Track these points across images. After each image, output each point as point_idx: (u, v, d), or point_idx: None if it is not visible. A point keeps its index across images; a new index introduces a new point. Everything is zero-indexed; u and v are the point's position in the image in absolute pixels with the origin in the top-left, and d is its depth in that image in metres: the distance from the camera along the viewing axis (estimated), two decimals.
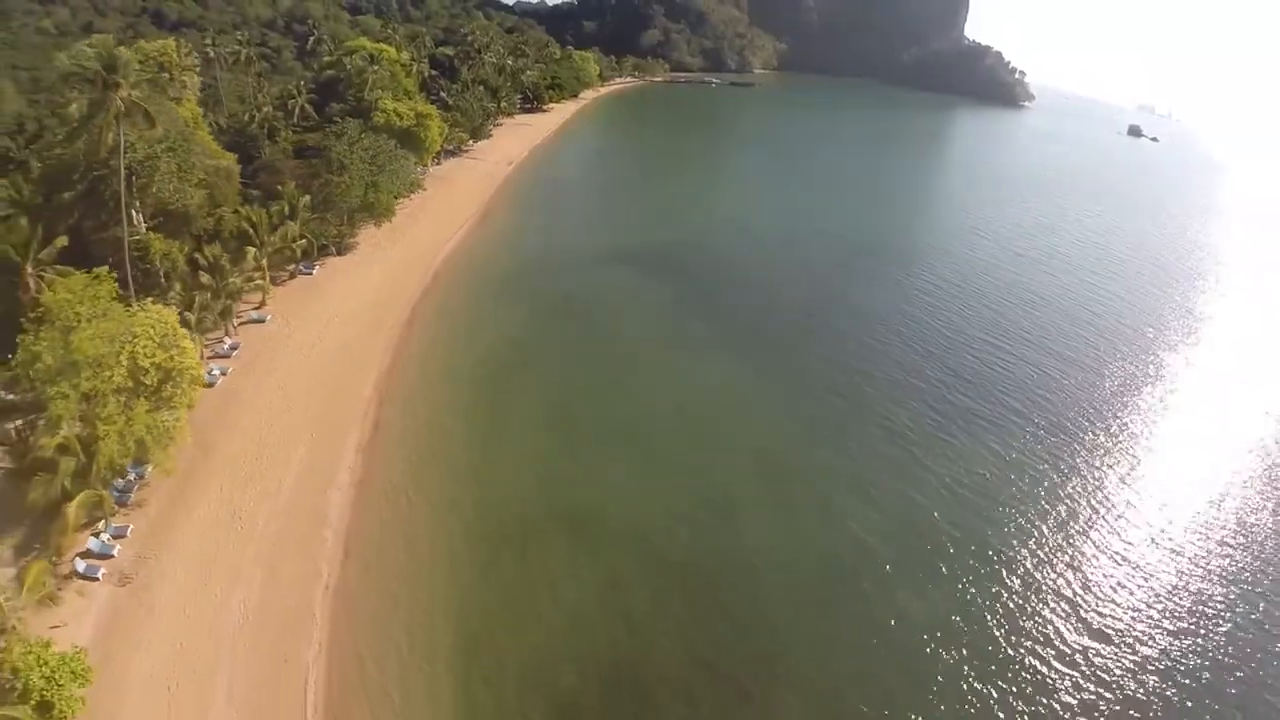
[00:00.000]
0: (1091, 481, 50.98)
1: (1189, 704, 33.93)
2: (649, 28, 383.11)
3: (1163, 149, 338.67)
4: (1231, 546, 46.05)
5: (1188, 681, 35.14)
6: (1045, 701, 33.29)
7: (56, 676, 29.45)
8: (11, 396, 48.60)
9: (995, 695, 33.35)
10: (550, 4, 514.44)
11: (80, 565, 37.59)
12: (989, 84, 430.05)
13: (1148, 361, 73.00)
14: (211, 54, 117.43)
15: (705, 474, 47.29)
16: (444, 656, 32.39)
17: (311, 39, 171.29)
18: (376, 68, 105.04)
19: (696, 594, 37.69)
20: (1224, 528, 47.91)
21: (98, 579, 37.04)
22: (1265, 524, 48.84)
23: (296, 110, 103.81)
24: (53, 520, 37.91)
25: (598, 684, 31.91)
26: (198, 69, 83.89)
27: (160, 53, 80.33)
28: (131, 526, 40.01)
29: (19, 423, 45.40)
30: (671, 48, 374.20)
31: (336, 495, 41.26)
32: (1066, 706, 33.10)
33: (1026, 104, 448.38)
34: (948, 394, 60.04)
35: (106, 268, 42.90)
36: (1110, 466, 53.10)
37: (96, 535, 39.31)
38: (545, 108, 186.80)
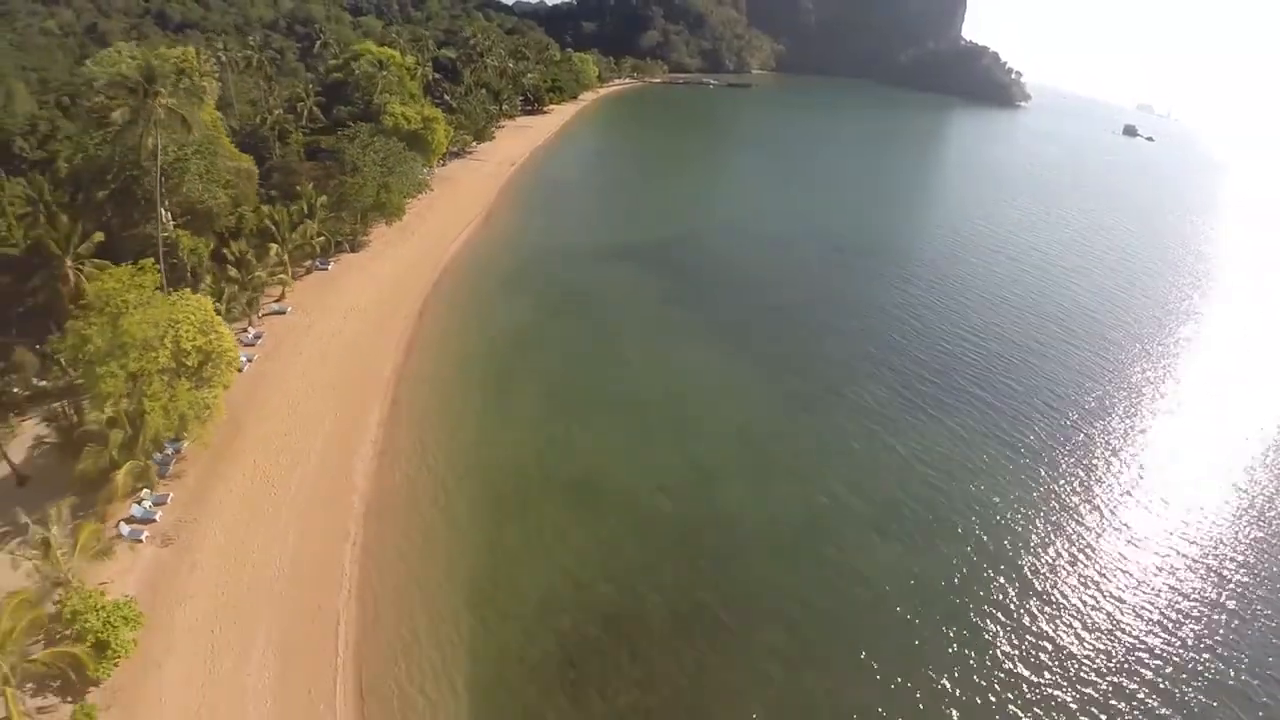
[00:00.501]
0: (1040, 457, 55.39)
1: (1106, 650, 38.05)
2: (648, 29, 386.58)
3: (1157, 149, 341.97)
4: (1143, 502, 50.93)
5: (1108, 627, 39.32)
6: (976, 638, 37.91)
7: (111, 620, 33.52)
8: (44, 383, 52.94)
9: (937, 635, 37.90)
10: (550, 4, 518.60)
11: (125, 529, 41.60)
12: (985, 84, 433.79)
13: (1109, 352, 77.14)
14: (223, 58, 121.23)
15: (691, 446, 51.77)
16: (458, 603, 36.61)
17: (318, 43, 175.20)
18: (385, 73, 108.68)
19: (681, 547, 42.20)
20: (1138, 487, 52.97)
21: (141, 541, 41.04)
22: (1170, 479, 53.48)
23: (305, 112, 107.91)
24: (100, 488, 41.92)
25: (595, 624, 36.16)
26: (217, 75, 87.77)
27: (182, 59, 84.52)
28: (171, 495, 44.09)
29: (64, 402, 49.58)
30: (670, 49, 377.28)
31: (361, 464, 45.53)
32: (996, 648, 37.48)
33: (1023, 104, 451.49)
34: (914, 380, 64.70)
35: (151, 260, 46.69)
36: (1058, 445, 57.46)
37: (139, 503, 43.34)
38: (546, 109, 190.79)
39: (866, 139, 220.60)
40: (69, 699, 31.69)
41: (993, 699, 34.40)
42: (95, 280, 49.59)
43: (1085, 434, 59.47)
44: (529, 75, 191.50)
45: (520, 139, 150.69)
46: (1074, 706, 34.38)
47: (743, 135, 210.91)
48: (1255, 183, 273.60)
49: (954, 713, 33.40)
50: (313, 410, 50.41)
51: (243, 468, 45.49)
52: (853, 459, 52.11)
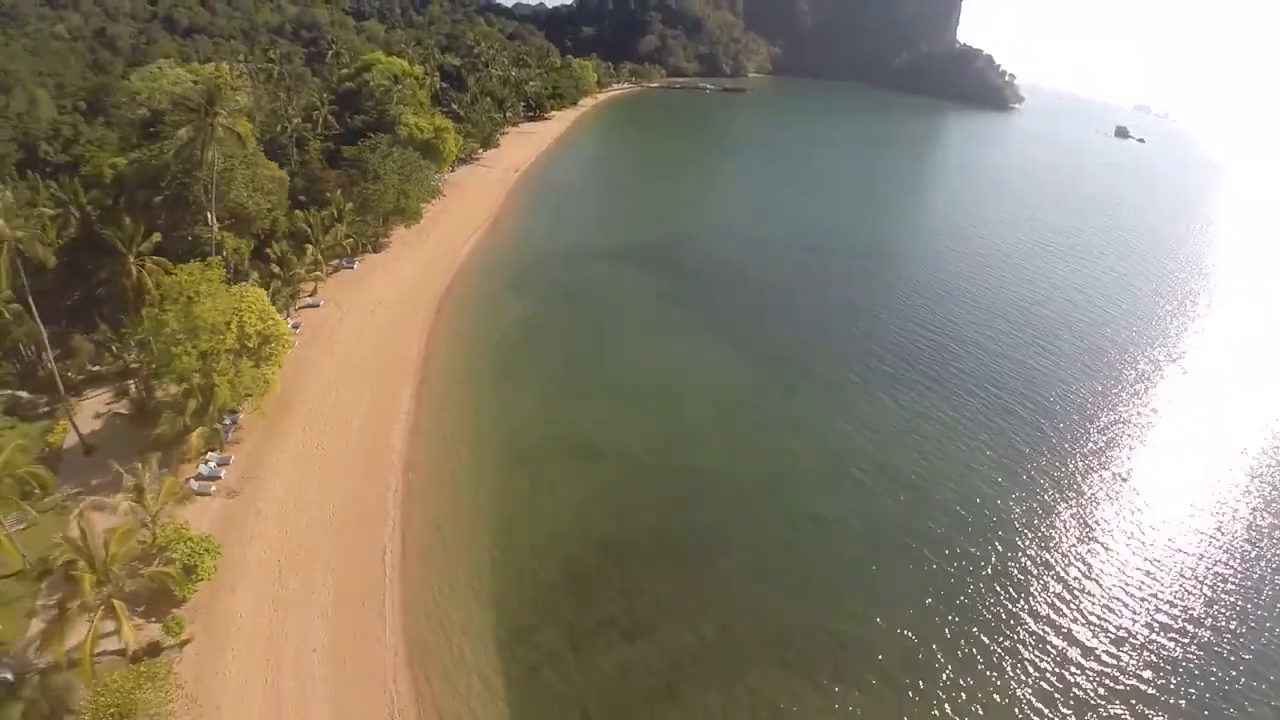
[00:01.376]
0: (980, 427, 63.83)
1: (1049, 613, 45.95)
2: (646, 34, 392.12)
3: (1148, 150, 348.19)
4: (1080, 471, 58.52)
5: (1057, 589, 47.23)
6: (903, 567, 46.21)
7: (195, 550, 41.25)
8: (97, 368, 60.46)
9: (870, 563, 46.34)
10: (550, 6, 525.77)
11: (194, 485, 49.44)
12: (979, 87, 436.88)
13: (1056, 340, 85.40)
14: (244, 69, 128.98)
15: (675, 415, 60.36)
16: (481, 535, 44.93)
17: (330, 53, 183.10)
18: (400, 87, 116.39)
19: (662, 494, 50.77)
20: (1046, 435, 61.09)
21: (210, 494, 48.91)
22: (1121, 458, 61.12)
23: (320, 121, 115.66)
24: (163, 452, 49.46)
25: (593, 550, 44.50)
26: (247, 89, 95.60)
27: (215, 74, 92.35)
28: (232, 457, 52.07)
29: (135, 380, 57.42)
30: (668, 53, 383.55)
31: (397, 431, 53.86)
32: (935, 581, 45.44)
33: (1016, 106, 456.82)
34: (875, 363, 73.36)
35: (219, 258, 54.59)
36: (995, 419, 65.68)
37: (205, 463, 51.23)
38: (547, 115, 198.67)
39: (856, 144, 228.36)
40: (160, 615, 39.31)
41: (911, 611, 42.73)
42: (166, 275, 57.60)
43: (1010, 406, 68.15)
44: (531, 83, 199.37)
45: (524, 145, 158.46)
46: (979, 608, 42.42)
47: (737, 140, 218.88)
48: (1244, 185, 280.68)
49: (878, 619, 41.69)
50: (351, 388, 58.57)
51: (294, 435, 53.48)
52: (812, 428, 60.67)
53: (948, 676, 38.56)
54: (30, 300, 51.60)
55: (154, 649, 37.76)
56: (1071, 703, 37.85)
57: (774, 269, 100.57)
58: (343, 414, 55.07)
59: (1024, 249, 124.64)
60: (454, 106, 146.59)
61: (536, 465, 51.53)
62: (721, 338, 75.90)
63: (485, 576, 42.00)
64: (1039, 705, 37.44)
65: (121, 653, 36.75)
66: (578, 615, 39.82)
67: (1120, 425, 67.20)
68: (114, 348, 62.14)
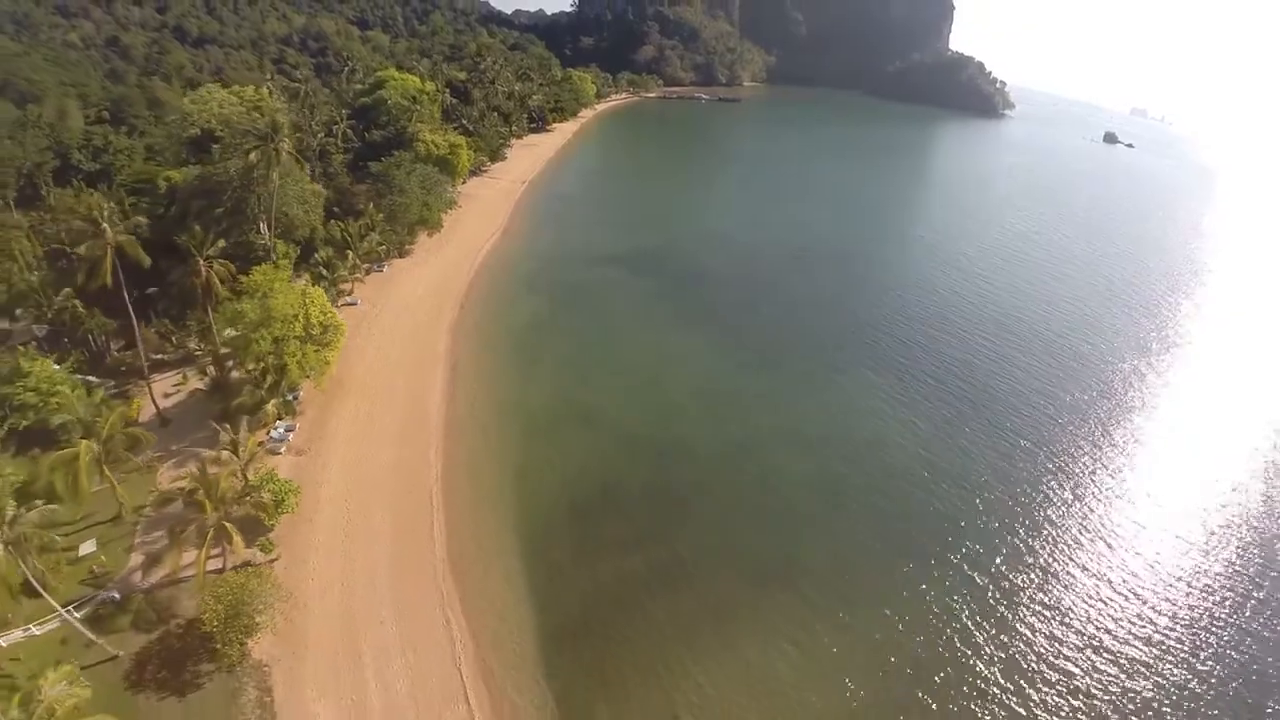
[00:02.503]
0: (922, 403, 75.33)
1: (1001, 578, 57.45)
2: (644, 44, 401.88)
3: (1134, 155, 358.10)
4: (1022, 449, 69.75)
5: (1017, 560, 58.72)
6: (853, 513, 57.45)
7: (280, 489, 52.39)
8: (161, 355, 71.21)
9: (823, 511, 57.46)
10: (550, 13, 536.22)
11: (268, 445, 60.69)
12: (969, 94, 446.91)
13: (1008, 331, 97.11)
14: (270, 88, 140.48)
15: (664, 393, 71.86)
16: (506, 483, 56.52)
17: (346, 70, 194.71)
18: (419, 107, 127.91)
19: (652, 453, 62.41)
20: (975, 402, 71.65)
21: (281, 454, 60.14)
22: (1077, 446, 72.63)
23: (340, 134, 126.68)
24: (251, 415, 60.71)
25: (595, 494, 56.14)
26: (287, 110, 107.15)
27: (256, 96, 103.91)
28: (297, 425, 63.28)
29: (213, 361, 68.64)
30: (665, 63, 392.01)
31: (433, 404, 65.59)
32: (868, 518, 56.82)
33: (1007, 113, 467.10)
34: (837, 353, 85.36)
35: (288, 261, 66.02)
36: (936, 398, 77.18)
37: (275, 429, 62.49)
38: (550, 128, 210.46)
39: (840, 156, 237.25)
40: (251, 541, 50.00)
41: (845, 541, 54.33)
42: (233, 275, 68.84)
43: (947, 386, 79.85)
44: (534, 97, 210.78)
45: (529, 157, 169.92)
46: (902, 540, 53.85)
47: (728, 153, 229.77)
48: (1228, 190, 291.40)
49: (819, 547, 53.22)
50: (391, 370, 70.22)
51: (348, 407, 64.93)
52: (779, 405, 72.05)
53: (872, 586, 50.10)
54: (126, 295, 62.77)
55: (248, 565, 48.89)
56: (963, 595, 49.32)
57: (757, 272, 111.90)
58: (387, 389, 66.69)
59: (983, 255, 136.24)
60: (464, 122, 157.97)
61: (549, 429, 63.25)
62: (707, 331, 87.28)
63: (509, 511, 53.55)
64: (939, 601, 48.95)
65: (219, 571, 47.36)
66: (581, 538, 51.31)
67: (1026, 394, 78.96)
68: (173, 338, 73.10)
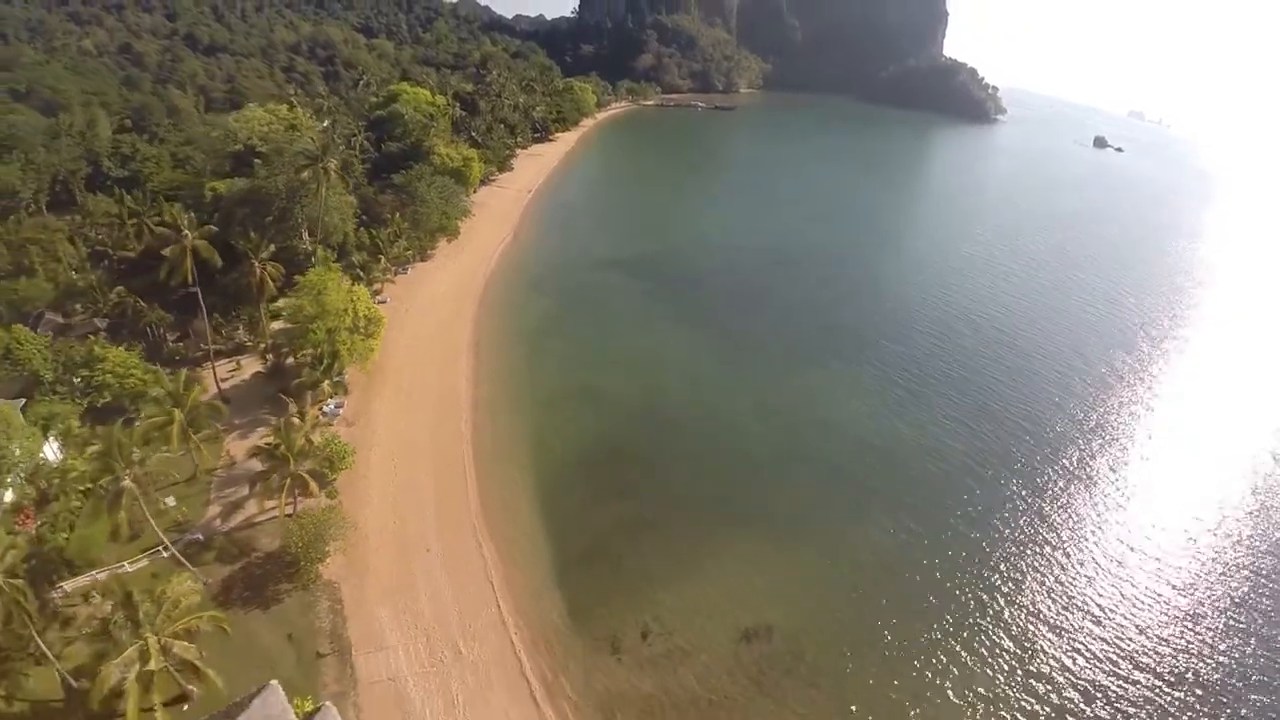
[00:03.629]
0: (883, 390, 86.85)
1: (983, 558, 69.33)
2: (643, 52, 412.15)
3: (1123, 159, 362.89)
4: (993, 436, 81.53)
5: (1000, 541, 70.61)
6: (816, 474, 69.03)
7: (341, 450, 63.88)
8: (210, 346, 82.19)
9: (790, 474, 69.14)
10: (550, 19, 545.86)
11: (322, 418, 72.37)
12: (962, 100, 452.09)
13: (972, 329, 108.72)
14: (294, 103, 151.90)
15: (657, 378, 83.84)
16: (525, 447, 68.69)
17: (361, 83, 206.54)
18: (435, 124, 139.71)
19: (648, 425, 74.54)
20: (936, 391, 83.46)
21: (333, 425, 71.73)
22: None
23: (359, 146, 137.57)
24: (309, 393, 72.33)
25: (600, 456, 68.22)
26: (322, 128, 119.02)
27: (290, 115, 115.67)
28: (345, 402, 75.03)
29: (271, 349, 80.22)
30: (663, 71, 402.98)
31: (462, 385, 77.98)
32: (827, 479, 68.57)
33: (999, 118, 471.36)
34: (813, 346, 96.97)
35: (339, 264, 77.86)
36: (907, 386, 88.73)
37: (327, 406, 74.15)
38: (552, 137, 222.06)
39: (829, 163, 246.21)
40: (319, 488, 61.94)
41: (802, 495, 66.01)
42: (285, 275, 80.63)
43: (909, 374, 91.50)
44: (538, 109, 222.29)
45: (534, 167, 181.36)
46: (855, 493, 65.71)
47: (722, 161, 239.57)
48: (1217, 194, 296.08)
49: (783, 499, 64.94)
50: (424, 357, 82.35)
51: (388, 388, 76.84)
52: (755, 387, 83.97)
53: (823, 527, 61.92)
54: (199, 291, 74.19)
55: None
56: (903, 540, 61.16)
57: (746, 275, 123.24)
58: (421, 373, 78.82)
59: (960, 259, 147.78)
60: (472, 134, 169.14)
61: (559, 405, 75.62)
62: (697, 327, 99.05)
63: (527, 468, 65.67)
64: (882, 545, 60.82)
65: (291, 516, 58.27)
66: (587, 489, 63.42)
67: (989, 378, 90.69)
68: (223, 330, 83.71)
